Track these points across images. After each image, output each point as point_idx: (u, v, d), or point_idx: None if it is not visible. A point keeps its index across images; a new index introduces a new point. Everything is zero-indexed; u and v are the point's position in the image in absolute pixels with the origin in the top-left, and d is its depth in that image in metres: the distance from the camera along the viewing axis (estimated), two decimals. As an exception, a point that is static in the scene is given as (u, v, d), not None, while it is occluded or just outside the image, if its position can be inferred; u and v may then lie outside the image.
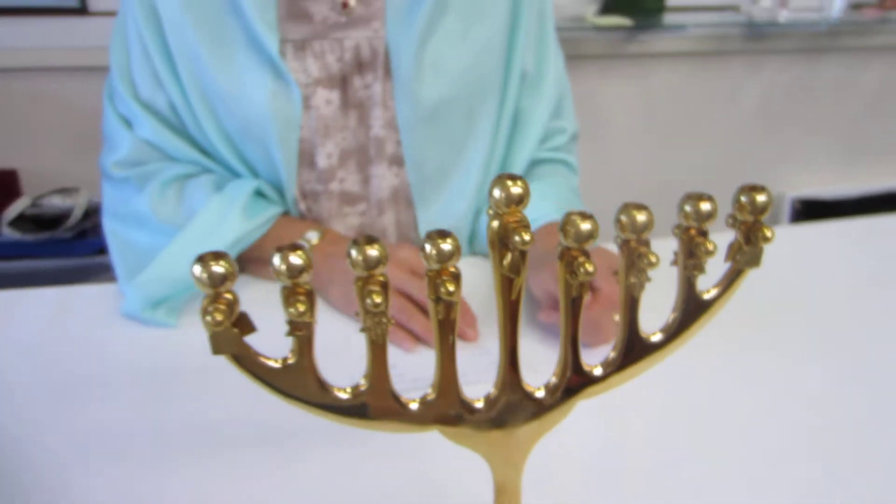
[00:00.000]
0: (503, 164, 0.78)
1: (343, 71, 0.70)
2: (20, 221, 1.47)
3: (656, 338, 0.32)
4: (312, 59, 0.69)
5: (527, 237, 0.26)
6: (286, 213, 0.74)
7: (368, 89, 0.71)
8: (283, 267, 0.25)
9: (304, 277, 0.26)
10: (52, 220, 1.48)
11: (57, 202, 1.51)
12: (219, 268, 0.25)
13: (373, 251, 0.26)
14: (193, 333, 0.62)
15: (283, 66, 0.67)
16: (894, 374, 0.57)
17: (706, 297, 0.32)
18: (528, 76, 0.78)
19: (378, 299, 0.26)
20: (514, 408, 0.32)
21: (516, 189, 0.26)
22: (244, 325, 0.27)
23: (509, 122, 0.77)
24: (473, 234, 0.78)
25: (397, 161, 0.74)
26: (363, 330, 0.27)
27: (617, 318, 0.59)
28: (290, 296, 0.26)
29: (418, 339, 0.59)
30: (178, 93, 0.70)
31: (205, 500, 0.44)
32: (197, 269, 0.25)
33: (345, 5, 0.68)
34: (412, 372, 0.56)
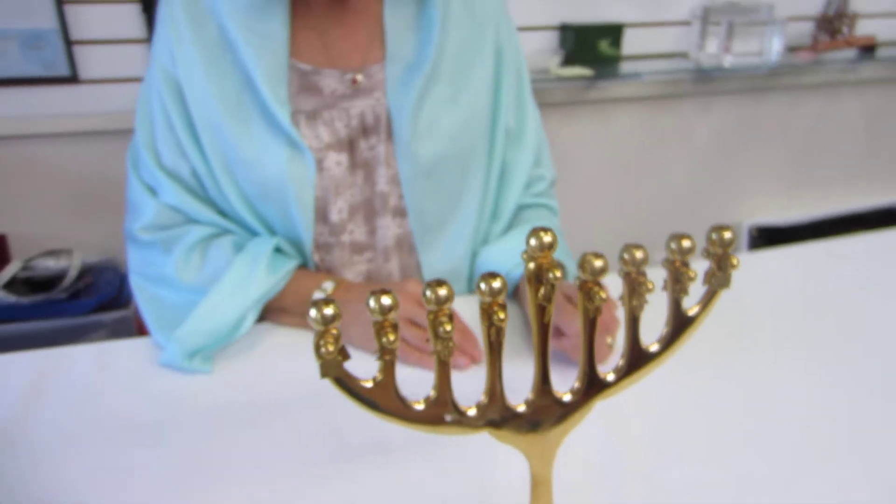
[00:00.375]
0: (494, 211, 0.87)
1: (350, 135, 0.79)
2: (13, 284, 1.50)
3: (654, 348, 0.41)
4: (323, 126, 0.78)
5: (558, 273, 0.35)
6: (302, 266, 0.81)
7: (373, 150, 0.80)
8: (375, 306, 0.33)
9: (392, 315, 0.33)
10: (45, 282, 1.52)
11: (50, 264, 1.55)
12: (329, 310, 0.32)
13: (386, 300, 0.33)
14: (227, 377, 0.69)
15: (297, 134, 0.75)
16: (852, 378, 0.66)
17: (690, 313, 0.41)
18: (511, 132, 0.87)
19: (392, 337, 0.34)
20: (546, 410, 0.40)
21: (547, 238, 0.35)
22: (344, 354, 0.34)
23: (497, 174, 0.86)
24: (471, 274, 0.86)
25: (400, 213, 0.82)
26: (379, 359, 0.35)
27: (609, 340, 0.68)
28: (380, 329, 0.34)
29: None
30: (201, 161, 0.78)
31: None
32: (312, 312, 0.32)
33: (354, 81, 0.77)
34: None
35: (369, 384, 0.35)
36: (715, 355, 0.68)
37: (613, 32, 1.82)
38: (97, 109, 1.65)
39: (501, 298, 0.35)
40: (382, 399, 0.35)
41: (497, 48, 0.83)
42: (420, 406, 0.36)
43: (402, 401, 0.36)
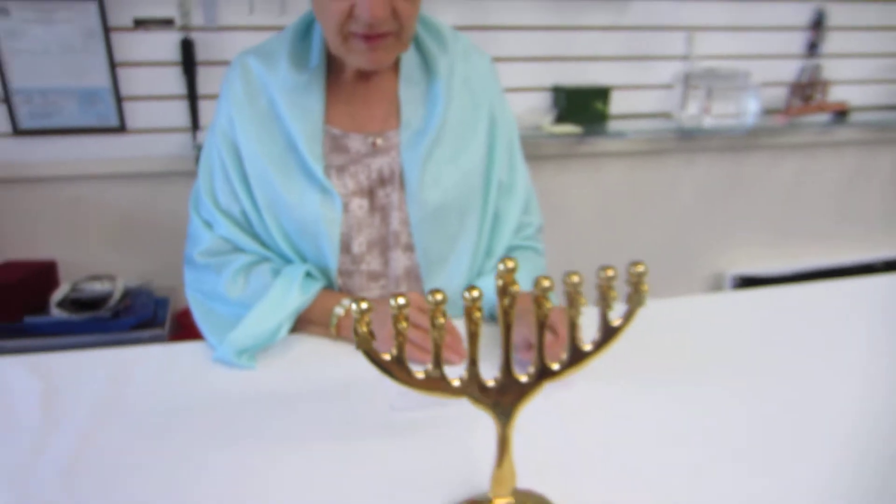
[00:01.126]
0: (487, 250, 1.05)
1: (370, 185, 0.97)
2: (64, 304, 1.69)
3: (587, 348, 0.58)
4: (349, 177, 0.96)
5: (516, 288, 0.52)
6: (328, 288, 0.99)
7: (388, 198, 0.98)
8: (394, 303, 0.51)
9: (406, 310, 0.51)
10: (91, 303, 1.70)
11: (96, 287, 1.74)
12: (364, 305, 0.50)
13: (402, 300, 0.51)
14: (266, 372, 0.86)
15: (328, 184, 0.94)
16: (799, 403, 0.81)
17: (615, 324, 0.58)
18: (504, 185, 1.05)
19: (404, 324, 0.51)
20: (508, 387, 0.57)
21: (511, 264, 0.52)
22: (371, 335, 0.52)
23: (491, 219, 1.04)
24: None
25: (409, 248, 1.00)
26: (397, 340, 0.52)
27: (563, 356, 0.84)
28: (395, 320, 0.51)
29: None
30: (250, 204, 0.96)
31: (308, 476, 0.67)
32: (353, 306, 0.50)
33: (374, 144, 0.96)
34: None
35: (388, 357, 0.52)
36: (662, 373, 0.85)
37: (602, 94, 2.04)
38: (140, 155, 1.87)
39: (478, 304, 0.53)
40: (396, 369, 0.53)
41: (491, 118, 1.02)
42: (421, 376, 0.54)
43: (409, 371, 0.53)
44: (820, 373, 0.86)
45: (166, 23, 1.78)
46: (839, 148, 2.44)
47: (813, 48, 2.26)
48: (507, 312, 0.54)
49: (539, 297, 0.54)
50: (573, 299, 0.55)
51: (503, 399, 0.57)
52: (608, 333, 0.58)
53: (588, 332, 0.56)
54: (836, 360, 0.89)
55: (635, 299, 0.56)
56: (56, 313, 1.65)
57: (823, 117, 2.25)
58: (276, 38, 0.98)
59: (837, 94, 2.28)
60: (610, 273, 0.55)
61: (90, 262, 1.91)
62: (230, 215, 0.98)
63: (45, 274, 1.84)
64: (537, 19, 2.03)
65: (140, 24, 1.77)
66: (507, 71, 2.02)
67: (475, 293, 0.52)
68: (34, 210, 1.87)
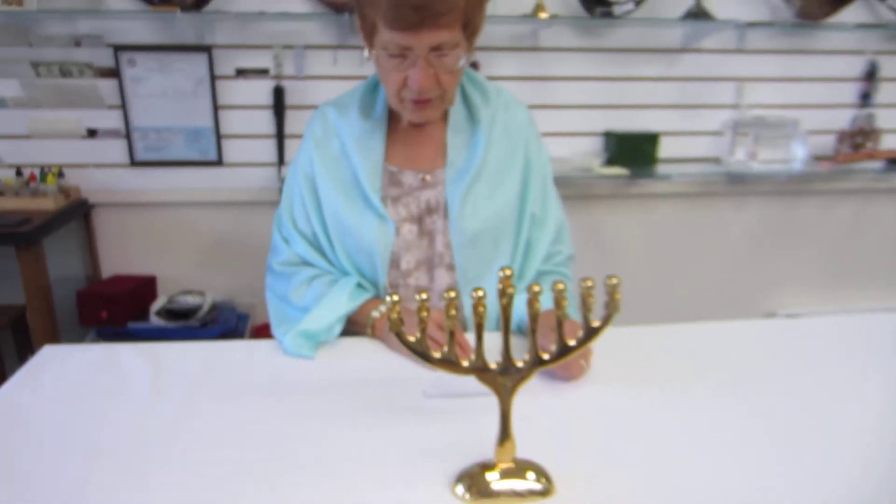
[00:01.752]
0: (519, 274, 1.21)
1: (419, 213, 1.15)
2: (160, 313, 1.95)
3: (572, 343, 0.73)
4: (402, 207, 1.15)
5: (510, 290, 0.68)
6: (375, 296, 1.16)
7: (434, 224, 1.16)
8: (418, 299, 0.68)
9: (427, 303, 0.68)
10: (184, 313, 1.95)
11: (189, 300, 1.99)
12: (396, 297, 0.67)
13: (424, 296, 0.67)
14: (321, 360, 1.03)
15: (385, 212, 1.12)
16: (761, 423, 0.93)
17: (594, 325, 0.73)
18: (536, 217, 1.21)
19: (425, 314, 0.68)
20: (508, 369, 0.72)
21: (508, 272, 0.69)
22: (401, 321, 0.69)
23: (523, 248, 1.20)
24: (498, 316, 1.19)
25: (450, 268, 1.16)
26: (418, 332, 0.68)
27: (583, 363, 0.99)
28: (419, 309, 0.68)
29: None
30: (321, 227, 1.16)
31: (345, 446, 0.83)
32: (388, 298, 0.67)
33: (424, 180, 1.15)
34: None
35: (412, 339, 0.69)
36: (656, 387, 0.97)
37: (651, 139, 2.17)
38: (233, 186, 2.14)
39: (483, 301, 0.69)
40: (419, 348, 0.69)
41: (526, 160, 1.19)
42: (438, 356, 0.70)
43: (429, 351, 0.70)
44: (833, 397, 0.93)
45: (262, 72, 2.06)
46: (894, 195, 2.47)
47: (866, 98, 2.32)
48: (505, 310, 0.70)
49: (533, 300, 0.70)
50: (559, 302, 0.71)
51: (504, 379, 0.73)
52: (589, 333, 0.73)
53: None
54: (850, 388, 0.96)
55: (611, 306, 0.71)
56: (154, 321, 1.91)
57: (876, 164, 2.29)
58: (351, 92, 1.19)
59: (889, 143, 2.33)
60: (589, 283, 0.70)
61: (184, 278, 2.18)
62: (304, 235, 1.18)
63: (146, 287, 2.12)
64: (592, 70, 2.21)
65: (240, 73, 2.06)
66: (562, 117, 2.20)
67: (480, 293, 0.69)
68: (140, 231, 2.16)
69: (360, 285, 1.16)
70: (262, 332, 2.09)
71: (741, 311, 2.49)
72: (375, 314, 1.10)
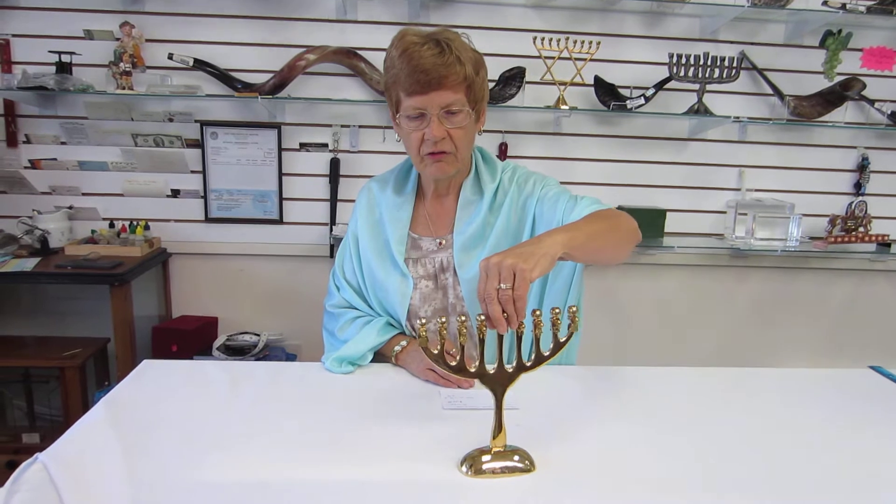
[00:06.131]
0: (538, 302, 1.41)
1: (434, 271, 1.40)
2: (221, 348, 2.24)
3: (546, 353, 0.98)
4: (420, 266, 1.41)
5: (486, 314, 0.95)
6: (400, 333, 1.39)
7: (447, 280, 1.39)
8: (438, 321, 0.95)
9: (446, 326, 0.95)
10: (240, 349, 2.25)
11: (245, 339, 2.29)
12: (423, 320, 0.95)
13: (443, 319, 0.94)
14: (357, 377, 1.28)
15: (407, 270, 1.38)
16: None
17: (561, 340, 0.98)
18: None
19: (444, 333, 0.94)
20: (501, 373, 0.98)
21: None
22: (427, 339, 0.95)
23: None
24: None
25: (463, 314, 1.40)
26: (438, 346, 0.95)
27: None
28: (439, 330, 0.95)
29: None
30: (361, 278, 1.43)
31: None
32: (417, 322, 0.95)
33: (440, 244, 1.40)
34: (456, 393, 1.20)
35: (436, 350, 0.96)
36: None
37: (659, 215, 2.44)
38: (290, 241, 2.47)
39: (486, 324, 0.95)
40: (438, 358, 0.96)
41: (533, 217, 1.39)
42: (453, 363, 0.96)
43: (444, 359, 0.96)
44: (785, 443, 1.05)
45: (322, 146, 2.42)
46: (890, 275, 2.66)
47: (858, 187, 2.56)
48: (482, 325, 0.96)
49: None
50: (536, 325, 0.96)
51: (498, 380, 0.98)
52: (557, 345, 0.98)
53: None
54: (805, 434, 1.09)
55: (572, 327, 0.97)
56: (216, 355, 2.21)
57: (869, 247, 2.51)
58: (391, 170, 1.48)
59: (878, 229, 2.55)
60: (557, 310, 0.96)
61: (242, 319, 2.49)
62: (351, 284, 1.45)
63: (209, 326, 2.43)
64: (607, 154, 2.51)
65: (303, 146, 2.42)
66: (580, 192, 2.47)
67: (482, 317, 0.95)
68: (208, 278, 2.50)
69: (389, 324, 1.40)
70: (306, 371, 2.37)
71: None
72: (397, 348, 1.33)
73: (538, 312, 0.94)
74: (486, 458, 0.96)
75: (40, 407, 2.51)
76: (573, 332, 0.96)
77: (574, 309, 0.96)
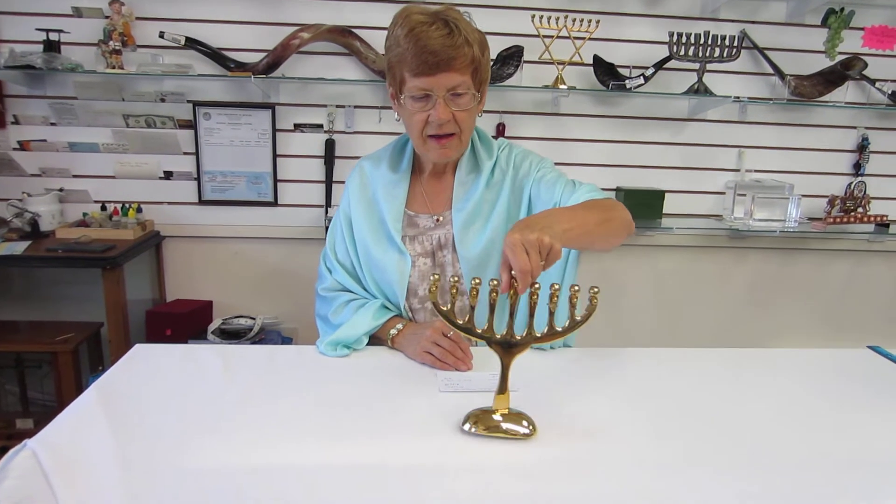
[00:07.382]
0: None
1: (432, 249, 1.38)
2: (216, 332, 2.22)
3: (559, 328, 0.96)
4: (418, 243, 1.38)
5: (498, 284, 0.93)
6: (397, 315, 1.38)
7: (444, 257, 1.37)
8: (451, 280, 0.93)
9: (459, 284, 0.93)
10: (235, 333, 2.22)
11: (240, 322, 2.26)
12: (435, 276, 0.93)
13: (455, 278, 0.93)
14: (351, 360, 1.26)
15: (404, 247, 1.35)
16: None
17: (578, 318, 0.96)
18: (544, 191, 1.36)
19: (455, 290, 0.94)
20: (510, 340, 0.96)
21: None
22: (435, 295, 0.93)
23: None
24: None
25: (462, 293, 1.40)
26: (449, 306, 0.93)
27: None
28: (452, 286, 0.93)
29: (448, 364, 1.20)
30: (356, 259, 1.40)
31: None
32: (431, 277, 0.93)
33: (437, 220, 1.39)
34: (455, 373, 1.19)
35: (445, 308, 0.93)
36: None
37: (658, 196, 2.42)
38: (285, 224, 2.44)
39: (497, 288, 0.92)
40: (448, 314, 0.93)
41: (529, 197, 1.38)
42: (461, 321, 0.94)
43: (454, 317, 0.94)
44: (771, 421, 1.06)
45: (317, 127, 2.39)
46: (888, 256, 2.65)
47: (857, 168, 2.54)
48: (493, 293, 0.94)
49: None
50: (553, 299, 0.94)
51: (507, 345, 0.96)
52: (573, 323, 0.96)
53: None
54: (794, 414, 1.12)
55: (590, 307, 0.95)
56: (211, 339, 2.18)
57: (868, 227, 2.49)
58: (385, 147, 1.45)
59: (877, 209, 2.54)
60: (576, 288, 0.95)
61: (237, 303, 2.46)
62: (343, 266, 1.42)
63: (204, 310, 2.41)
64: (606, 135, 2.49)
65: (298, 127, 2.38)
66: (578, 173, 2.45)
67: (477, 280, 0.93)
68: (202, 261, 2.46)
69: (384, 306, 1.37)
70: (303, 355, 2.35)
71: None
72: (393, 331, 1.30)
73: (556, 287, 0.92)
74: (492, 416, 0.97)
75: (34, 392, 2.48)
76: (592, 310, 0.95)
77: (595, 290, 0.95)
